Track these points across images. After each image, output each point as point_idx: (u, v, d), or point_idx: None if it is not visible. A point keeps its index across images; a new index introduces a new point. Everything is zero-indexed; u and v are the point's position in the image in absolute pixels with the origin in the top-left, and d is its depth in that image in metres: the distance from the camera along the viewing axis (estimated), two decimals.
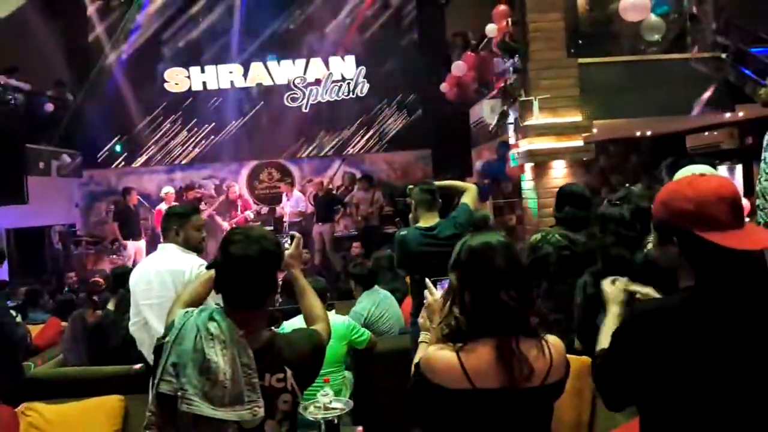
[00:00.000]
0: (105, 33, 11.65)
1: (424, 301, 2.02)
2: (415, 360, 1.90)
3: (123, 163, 11.91)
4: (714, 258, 1.50)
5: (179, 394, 1.67)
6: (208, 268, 2.08)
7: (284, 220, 10.80)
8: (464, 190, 4.18)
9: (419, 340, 2.03)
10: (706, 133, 8.73)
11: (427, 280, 2.06)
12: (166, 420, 1.73)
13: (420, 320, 2.06)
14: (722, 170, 8.69)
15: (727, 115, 7.05)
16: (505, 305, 1.70)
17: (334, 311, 4.98)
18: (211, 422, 1.66)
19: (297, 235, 2.28)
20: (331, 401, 2.66)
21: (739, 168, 8.66)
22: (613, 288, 2.04)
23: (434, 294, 1.98)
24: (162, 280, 3.17)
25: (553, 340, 1.79)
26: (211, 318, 1.75)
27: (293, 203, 10.82)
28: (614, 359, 1.66)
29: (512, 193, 9.22)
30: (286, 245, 2.19)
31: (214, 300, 1.98)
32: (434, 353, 1.73)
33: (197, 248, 3.32)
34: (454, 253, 1.84)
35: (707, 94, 6.14)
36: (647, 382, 1.56)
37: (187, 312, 1.81)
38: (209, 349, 1.68)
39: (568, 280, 3.20)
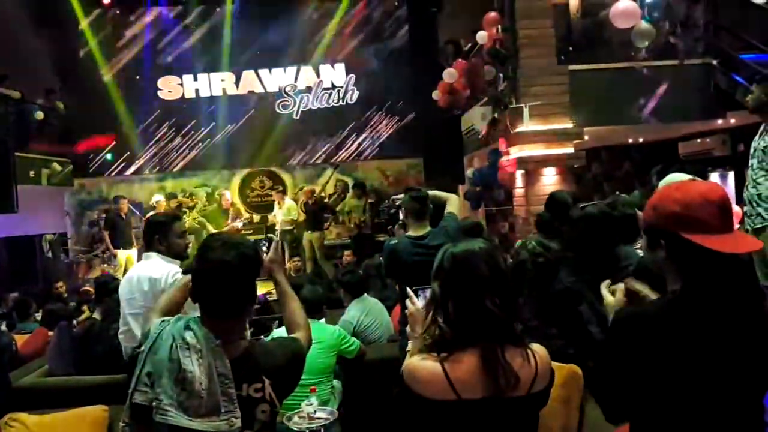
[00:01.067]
0: (97, 41, 11.62)
1: (406, 311, 1.99)
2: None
3: (114, 171, 11.86)
4: (699, 261, 1.49)
5: (154, 404, 1.64)
6: (184, 272, 2.04)
7: (276, 228, 10.77)
8: (447, 200, 4.16)
9: (407, 348, 1.98)
10: (699, 140, 8.74)
11: (408, 289, 2.03)
12: (142, 431, 1.69)
13: (408, 329, 2.02)
14: (714, 177, 8.71)
15: (719, 121, 7.06)
16: (489, 313, 1.67)
17: (324, 320, 4.95)
18: None
19: (275, 238, 2.24)
20: (315, 411, 2.62)
21: (731, 175, 8.68)
22: (612, 298, 2.01)
23: (416, 303, 1.95)
24: (142, 289, 3.16)
25: (537, 348, 1.76)
26: (188, 327, 1.72)
27: (285, 212, 10.79)
28: (605, 368, 1.64)
29: (505, 200, 9.20)
30: (264, 249, 2.16)
31: (191, 308, 1.95)
32: (417, 363, 1.69)
33: (181, 255, 3.30)
34: (436, 261, 1.81)
35: (653, 103, 6.14)
36: (635, 388, 1.55)
37: (163, 321, 1.78)
38: (185, 358, 1.65)
39: (544, 286, 3.20)
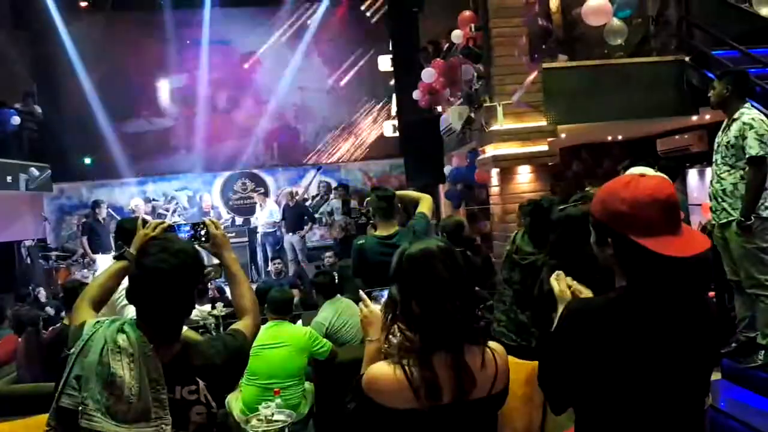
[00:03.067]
0: (75, 44, 11.50)
1: (359, 314, 1.94)
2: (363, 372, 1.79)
3: (94, 175, 11.72)
4: (645, 261, 1.48)
5: (80, 408, 1.60)
6: (115, 258, 1.99)
7: (257, 231, 10.74)
8: (419, 199, 4.14)
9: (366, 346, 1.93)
10: (677, 137, 8.77)
11: (361, 291, 1.99)
12: None
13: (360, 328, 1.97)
14: (692, 173, 8.76)
15: (694, 118, 7.08)
16: (450, 315, 1.62)
17: (300, 322, 4.93)
18: None
19: (206, 220, 2.12)
20: (273, 414, 2.59)
21: (708, 171, 8.71)
22: (558, 286, 2.02)
23: (369, 306, 1.91)
24: None
25: (495, 347, 1.73)
26: (121, 330, 1.68)
27: (267, 214, 10.75)
28: (549, 360, 1.64)
29: (486, 199, 9.21)
30: (203, 232, 2.08)
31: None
32: (378, 372, 1.63)
33: None
34: (393, 261, 1.75)
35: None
36: (578, 382, 1.55)
37: (97, 322, 1.75)
38: (115, 362, 1.62)
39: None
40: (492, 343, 1.73)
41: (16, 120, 9.69)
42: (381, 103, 12.40)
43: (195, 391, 1.70)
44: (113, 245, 9.73)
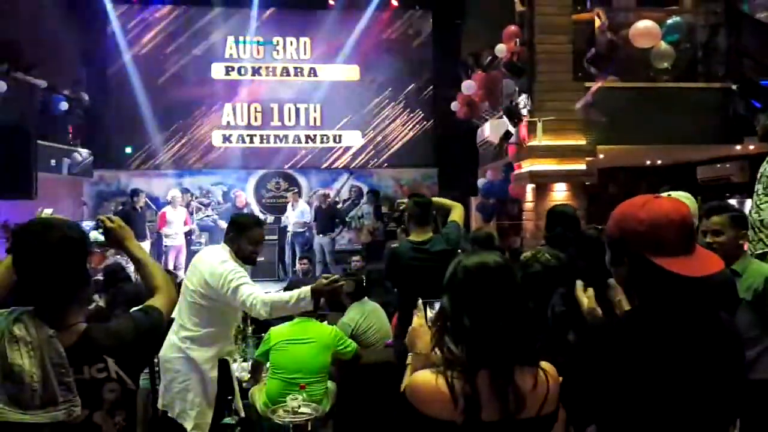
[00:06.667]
0: (124, 34, 11.78)
1: (412, 325, 1.86)
2: (403, 385, 1.77)
3: (134, 164, 11.99)
4: (660, 281, 1.50)
5: None
6: (7, 252, 1.90)
7: (288, 230, 10.84)
8: (451, 208, 4.18)
9: (407, 361, 1.89)
10: (718, 165, 8.63)
11: (420, 300, 1.91)
12: None
13: (406, 340, 1.92)
14: (732, 204, 8.58)
15: (738, 147, 6.98)
16: (502, 332, 1.57)
17: (326, 322, 4.97)
18: (21, 428, 1.57)
19: (101, 217, 2.09)
20: (299, 406, 2.63)
21: (749, 202, 8.53)
22: (587, 302, 2.02)
23: (421, 318, 1.86)
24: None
25: (548, 367, 1.67)
26: (17, 320, 1.65)
27: (298, 214, 10.84)
28: (571, 377, 1.64)
29: (518, 215, 9.17)
30: (100, 231, 2.05)
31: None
32: (420, 380, 1.60)
33: (246, 260, 3.26)
34: (448, 272, 1.69)
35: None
36: (599, 399, 1.55)
37: None
38: (13, 352, 1.60)
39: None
40: (544, 364, 1.67)
41: (63, 106, 9.96)
42: (416, 112, 12.46)
43: (104, 369, 1.70)
44: (147, 233, 9.96)
